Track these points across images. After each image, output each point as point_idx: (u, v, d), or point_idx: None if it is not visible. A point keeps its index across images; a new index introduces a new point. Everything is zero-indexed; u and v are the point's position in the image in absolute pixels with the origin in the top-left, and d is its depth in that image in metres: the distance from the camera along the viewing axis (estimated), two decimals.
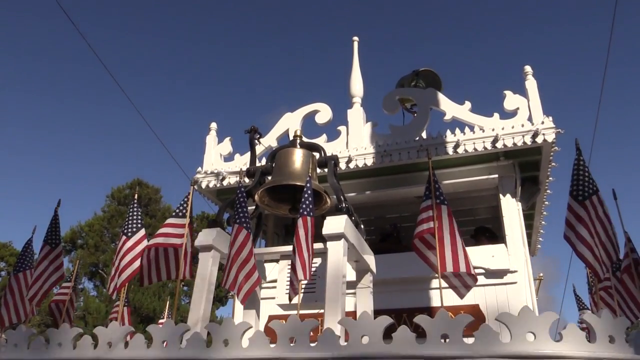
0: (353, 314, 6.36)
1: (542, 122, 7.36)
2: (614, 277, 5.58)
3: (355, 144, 8.47)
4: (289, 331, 4.47)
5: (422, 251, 5.39)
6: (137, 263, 5.82)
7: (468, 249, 5.50)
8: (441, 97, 8.53)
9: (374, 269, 6.29)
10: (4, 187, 58.50)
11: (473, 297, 6.90)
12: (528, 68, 8.06)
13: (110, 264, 26.64)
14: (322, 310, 5.09)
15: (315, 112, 9.04)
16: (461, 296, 5.39)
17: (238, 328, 4.65)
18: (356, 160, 8.05)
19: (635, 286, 5.50)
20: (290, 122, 9.00)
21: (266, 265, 7.12)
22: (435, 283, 7.47)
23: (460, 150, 7.59)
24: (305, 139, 6.66)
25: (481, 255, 7.31)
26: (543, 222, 9.89)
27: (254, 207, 6.41)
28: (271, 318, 7.19)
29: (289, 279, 5.69)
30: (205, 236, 5.74)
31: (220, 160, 9.10)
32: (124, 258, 5.83)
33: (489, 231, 8.79)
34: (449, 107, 8.34)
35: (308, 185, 5.30)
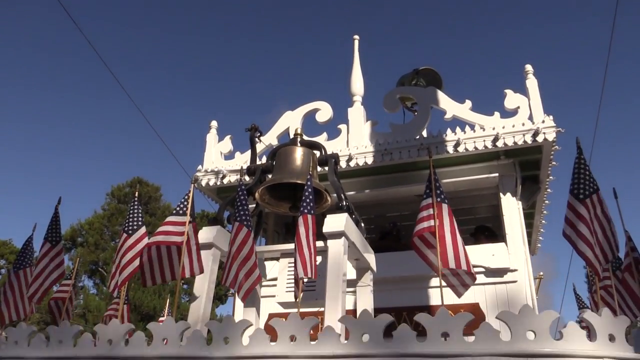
0: (353, 312, 6.37)
1: (543, 121, 7.36)
2: (614, 276, 5.58)
3: (356, 142, 8.47)
4: (289, 329, 4.47)
5: (421, 250, 5.39)
6: (137, 261, 5.81)
7: (468, 247, 5.50)
8: (442, 95, 8.53)
9: (374, 268, 6.30)
10: (4, 185, 58.52)
11: (473, 295, 6.91)
12: (529, 67, 8.06)
13: (110, 262, 26.68)
14: (322, 309, 5.09)
15: (315, 110, 9.04)
16: (459, 295, 5.40)
17: (238, 326, 4.65)
18: (356, 158, 8.05)
19: (637, 284, 5.50)
20: (291, 121, 9.00)
21: (266, 263, 7.13)
22: (434, 281, 7.48)
23: (461, 149, 7.59)
24: (305, 137, 6.66)
25: (481, 254, 7.32)
26: (543, 221, 9.90)
27: (254, 205, 6.41)
28: (271, 316, 7.20)
29: (289, 277, 5.70)
30: (206, 234, 5.75)
31: (220, 159, 9.11)
32: (125, 256, 5.83)
33: (489, 230, 8.80)
34: (449, 105, 8.34)
35: (309, 183, 5.30)
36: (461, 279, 5.29)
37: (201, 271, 5.49)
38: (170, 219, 5.65)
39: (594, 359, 3.78)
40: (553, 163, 7.78)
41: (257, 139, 6.83)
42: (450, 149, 7.64)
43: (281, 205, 6.40)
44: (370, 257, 6.22)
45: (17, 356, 5.20)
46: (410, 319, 6.53)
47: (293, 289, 5.50)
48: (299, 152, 6.19)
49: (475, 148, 7.54)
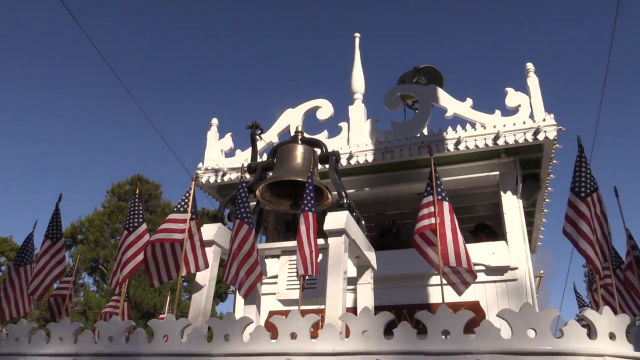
0: (353, 310, 6.37)
1: (544, 120, 7.35)
2: (614, 275, 5.58)
3: (356, 140, 8.46)
4: (290, 326, 4.47)
5: (422, 247, 5.39)
6: (139, 257, 5.82)
7: (468, 245, 5.50)
8: (442, 93, 8.51)
9: (375, 265, 6.30)
10: (4, 182, 58.52)
11: (473, 293, 6.92)
12: (530, 65, 8.04)
13: (110, 260, 26.71)
14: (322, 306, 5.10)
15: (316, 108, 9.03)
16: (459, 293, 5.40)
17: (239, 323, 4.66)
18: (357, 156, 8.05)
19: (639, 283, 5.50)
20: (292, 118, 8.99)
21: (267, 261, 7.13)
22: (434, 279, 7.49)
23: (462, 147, 7.58)
24: (306, 135, 6.66)
25: (482, 252, 7.32)
26: (544, 220, 9.90)
27: (255, 202, 6.41)
28: (271, 314, 7.20)
29: (290, 274, 5.70)
30: (207, 231, 5.75)
31: (221, 156, 9.10)
32: (126, 253, 5.83)
33: (489, 228, 8.80)
34: (450, 103, 8.33)
35: (309, 181, 5.29)
36: (462, 276, 5.29)
37: (206, 266, 5.50)
38: (171, 216, 5.66)
39: (595, 357, 3.77)
40: (554, 161, 7.77)
41: (258, 137, 6.83)
42: (450, 147, 7.63)
43: (282, 202, 6.40)
44: (371, 255, 6.23)
45: (17, 353, 5.21)
46: (411, 317, 6.53)
47: (293, 287, 5.50)
48: (299, 150, 6.19)
49: (476, 146, 7.54)
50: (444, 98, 8.43)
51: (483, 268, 7.21)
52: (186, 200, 5.73)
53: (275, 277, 6.04)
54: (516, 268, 7.25)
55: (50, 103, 64.51)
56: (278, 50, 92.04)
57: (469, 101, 8.23)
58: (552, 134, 7.19)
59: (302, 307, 4.86)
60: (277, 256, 6.17)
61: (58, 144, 64.41)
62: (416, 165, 8.02)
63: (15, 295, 6.61)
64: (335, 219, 5.33)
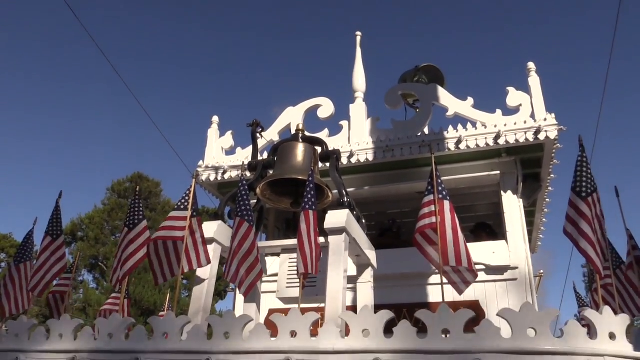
0: (353, 308, 6.37)
1: (545, 119, 7.35)
2: (614, 275, 5.57)
3: (357, 138, 8.46)
4: (290, 324, 4.47)
5: (423, 246, 5.38)
6: (139, 255, 5.83)
7: (469, 244, 5.50)
8: (444, 92, 8.51)
9: (375, 264, 6.30)
10: (5, 179, 58.55)
11: (473, 293, 6.91)
12: (531, 65, 8.04)
13: (110, 257, 26.71)
14: (322, 304, 5.09)
15: (317, 106, 9.02)
16: (460, 292, 5.39)
17: (239, 321, 4.66)
18: (358, 155, 8.05)
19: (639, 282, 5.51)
20: (292, 116, 8.98)
21: (267, 259, 7.13)
22: (434, 278, 7.49)
23: (462, 146, 7.58)
24: (307, 133, 6.66)
25: (482, 252, 7.32)
26: (544, 219, 9.90)
27: (255, 200, 6.41)
28: (271, 312, 7.20)
29: (290, 272, 5.70)
30: (207, 229, 5.75)
31: (221, 154, 9.10)
32: (126, 250, 5.83)
33: (489, 227, 8.80)
34: (451, 102, 8.32)
35: (310, 179, 5.29)
36: (462, 276, 5.28)
37: (208, 262, 5.51)
38: (172, 214, 5.68)
39: (595, 357, 3.77)
40: (554, 161, 7.77)
41: (258, 135, 6.82)
42: (451, 146, 7.63)
43: (282, 201, 6.40)
44: (371, 254, 6.22)
45: (17, 349, 5.20)
46: (410, 316, 6.52)
47: (293, 285, 5.50)
48: (300, 148, 6.18)
49: (477, 145, 7.54)
50: (445, 97, 8.42)
51: (483, 267, 7.21)
52: (187, 198, 5.74)
53: (276, 275, 6.04)
54: (516, 267, 7.26)
55: (51, 100, 64.51)
56: (279, 48, 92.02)
57: (470, 100, 8.23)
58: (552, 133, 7.19)
59: (303, 306, 4.86)
60: (278, 254, 6.17)
61: (58, 141, 64.45)
62: (417, 164, 8.02)
63: (15, 292, 6.61)
64: (336, 218, 5.32)
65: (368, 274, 6.20)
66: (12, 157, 59.04)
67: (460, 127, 7.74)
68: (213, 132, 9.29)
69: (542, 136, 7.21)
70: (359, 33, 10.02)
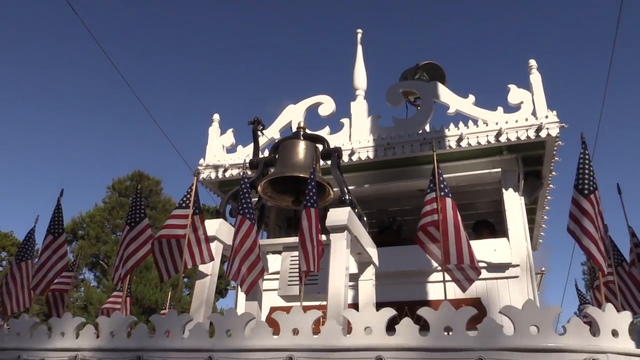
0: (354, 306, 6.37)
1: (546, 117, 7.34)
2: (616, 272, 5.58)
3: (358, 136, 8.45)
4: (292, 322, 4.47)
5: (425, 244, 5.37)
6: (140, 253, 5.83)
7: (470, 242, 5.49)
8: (445, 90, 8.50)
9: (377, 262, 6.29)
10: (5, 177, 58.58)
11: (475, 290, 6.90)
12: (532, 62, 8.03)
13: (111, 255, 26.73)
14: (324, 302, 5.09)
15: (318, 104, 9.01)
16: (463, 289, 5.38)
17: (241, 319, 4.65)
18: (359, 152, 8.04)
19: None
20: (293, 114, 8.97)
21: (268, 256, 7.13)
22: (435, 276, 7.49)
23: (464, 143, 7.58)
24: (308, 131, 6.65)
25: (483, 249, 7.31)
26: (545, 217, 9.89)
27: (256, 198, 6.40)
28: (273, 309, 7.20)
29: (291, 270, 5.70)
30: (208, 227, 5.75)
31: (222, 152, 9.10)
32: (128, 248, 5.83)
33: (490, 225, 8.80)
34: (452, 100, 8.31)
35: (312, 177, 5.28)
36: (466, 273, 5.26)
37: (211, 259, 5.51)
38: (175, 212, 5.69)
39: (597, 354, 3.77)
40: (556, 159, 7.76)
41: (259, 132, 6.82)
42: (453, 143, 7.62)
43: (284, 198, 6.39)
44: (373, 252, 6.22)
45: (19, 348, 5.20)
46: (412, 314, 6.53)
47: (295, 283, 5.50)
48: (301, 146, 6.17)
49: (478, 143, 7.53)
50: (446, 95, 8.41)
51: (485, 265, 7.20)
52: (189, 196, 5.75)
53: (277, 273, 6.04)
54: (518, 265, 7.25)
55: (51, 99, 64.49)
56: (280, 46, 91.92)
57: (471, 98, 8.22)
58: (554, 131, 7.18)
59: (304, 303, 4.86)
60: (279, 252, 6.17)
61: (59, 139, 64.44)
62: (418, 162, 8.01)
63: (17, 290, 6.61)
64: (338, 215, 5.31)
65: (370, 272, 6.19)
66: (13, 155, 59.07)
67: (461, 124, 7.73)
68: (214, 130, 9.29)
69: (543, 133, 7.20)
70: (359, 30, 10.00)
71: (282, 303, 5.98)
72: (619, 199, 5.63)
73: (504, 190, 7.79)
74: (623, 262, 5.92)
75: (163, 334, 4.79)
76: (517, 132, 7.36)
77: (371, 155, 7.96)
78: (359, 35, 9.94)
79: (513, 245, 7.36)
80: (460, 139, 7.58)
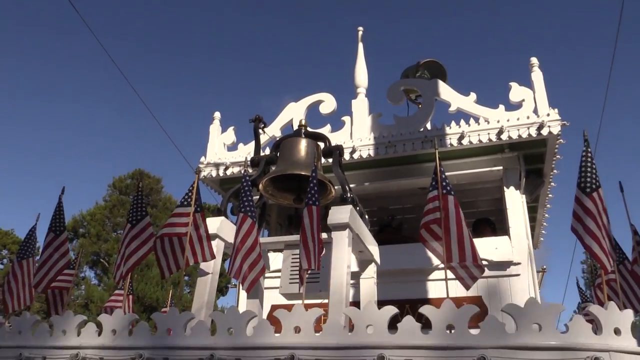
0: (356, 304, 6.37)
1: (548, 114, 7.33)
2: (617, 270, 5.56)
3: (360, 134, 8.44)
4: (294, 320, 4.46)
5: (428, 241, 5.36)
6: (142, 251, 5.83)
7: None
8: (446, 88, 8.49)
9: (378, 260, 6.29)
10: (6, 175, 58.59)
11: (476, 288, 6.89)
12: (534, 60, 8.01)
13: (112, 253, 26.73)
14: (326, 300, 5.09)
15: (319, 102, 9.00)
16: (467, 287, 5.37)
17: (243, 316, 4.65)
18: (360, 150, 8.03)
19: None
20: (294, 112, 8.96)
21: (270, 254, 7.12)
22: (435, 274, 7.48)
23: (465, 141, 7.57)
24: (309, 129, 6.64)
25: (484, 247, 7.28)
26: (546, 215, 9.88)
27: (258, 196, 6.39)
28: (274, 307, 7.20)
29: (293, 268, 5.69)
30: (210, 225, 5.74)
31: (223, 150, 9.09)
32: (129, 246, 5.83)
33: (490, 223, 8.79)
34: (453, 98, 8.30)
35: (313, 174, 5.27)
36: (469, 271, 5.25)
37: (212, 257, 5.51)
38: (177, 210, 5.69)
39: (600, 352, 3.76)
40: (557, 156, 7.75)
41: (261, 130, 6.80)
42: (454, 141, 7.61)
43: (285, 196, 6.38)
44: (374, 249, 6.21)
45: (21, 345, 5.20)
46: (413, 312, 6.54)
47: (296, 281, 5.49)
48: (303, 144, 6.16)
49: (480, 141, 7.52)
50: (448, 92, 8.40)
51: (486, 263, 7.17)
52: (190, 194, 5.75)
53: (278, 271, 6.03)
54: (519, 263, 7.24)
55: (52, 97, 64.47)
56: (281, 44, 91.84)
57: (473, 96, 8.21)
58: (555, 129, 7.17)
59: (306, 301, 4.85)
60: (280, 250, 6.16)
61: (59, 137, 64.42)
62: (419, 159, 8.00)
63: (18, 288, 6.61)
64: (339, 213, 5.31)
65: (371, 270, 6.19)
66: (14, 153, 59.08)
67: (462, 122, 7.72)
68: (215, 128, 9.28)
69: (545, 131, 7.19)
70: (360, 28, 9.98)
71: (283, 301, 5.98)
72: (621, 196, 5.61)
73: (505, 188, 7.78)
74: (625, 260, 5.90)
75: (165, 332, 4.79)
76: (518, 130, 7.35)
77: (372, 153, 7.95)
78: (360, 33, 9.92)
79: (514, 243, 7.34)
80: (461, 137, 7.57)
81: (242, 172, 5.86)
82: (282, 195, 6.36)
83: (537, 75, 7.87)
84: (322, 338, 4.31)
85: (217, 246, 5.75)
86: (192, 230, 5.52)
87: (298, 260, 5.21)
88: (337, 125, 8.81)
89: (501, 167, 7.81)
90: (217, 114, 9.38)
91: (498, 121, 7.50)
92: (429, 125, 8.26)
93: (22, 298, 6.62)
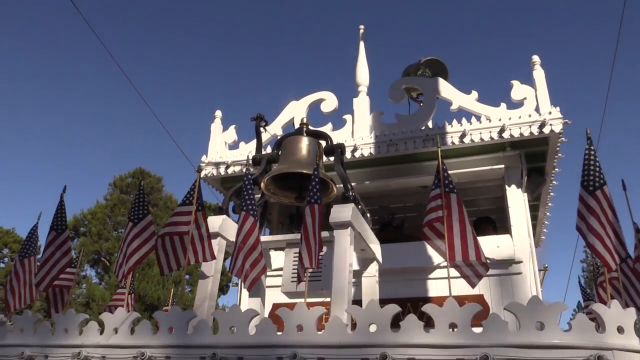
0: (357, 303, 6.36)
1: (550, 113, 7.30)
2: (620, 269, 5.55)
3: (361, 132, 8.42)
4: (296, 319, 4.46)
5: (432, 240, 5.35)
6: (144, 249, 5.82)
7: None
8: (447, 86, 8.46)
9: (380, 258, 6.28)
10: (7, 174, 58.59)
11: (478, 287, 6.87)
12: (536, 58, 7.98)
13: (113, 252, 26.73)
14: (328, 299, 5.08)
15: (320, 100, 8.98)
16: (473, 285, 5.35)
17: (245, 315, 4.65)
18: (361, 149, 8.01)
19: None
20: (296, 111, 8.94)
21: (271, 253, 7.11)
22: (437, 273, 7.46)
23: (467, 139, 7.55)
24: (311, 127, 6.63)
25: (486, 246, 7.26)
26: (548, 214, 9.86)
27: (259, 195, 6.39)
28: (276, 306, 7.20)
29: (294, 267, 5.68)
30: (212, 223, 5.74)
31: (225, 149, 9.07)
32: (131, 244, 5.82)
33: (491, 221, 8.78)
34: (455, 96, 8.27)
35: (316, 173, 5.26)
36: (475, 269, 5.24)
37: (212, 257, 5.50)
38: (178, 209, 5.68)
39: (603, 351, 3.75)
40: (559, 155, 7.73)
41: (262, 129, 6.80)
42: (455, 139, 7.59)
43: (287, 195, 6.37)
44: (376, 248, 6.21)
45: (23, 344, 5.20)
46: (414, 310, 6.53)
47: (296, 279, 5.49)
48: (305, 142, 6.15)
49: (481, 139, 7.50)
50: (449, 91, 8.37)
51: (488, 261, 7.18)
52: (192, 193, 5.74)
53: (280, 269, 6.03)
54: (521, 261, 7.22)
55: (53, 95, 64.44)
56: (282, 42, 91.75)
57: (474, 94, 8.18)
58: (557, 127, 7.15)
59: (308, 300, 4.84)
60: (282, 249, 6.15)
61: (60, 136, 64.42)
62: (420, 158, 7.98)
63: (19, 287, 6.60)
64: (341, 212, 5.30)
65: (373, 268, 6.18)
66: (15, 152, 59.07)
67: (464, 120, 7.70)
68: (216, 126, 9.26)
69: (546, 130, 7.17)
70: (362, 26, 9.95)
71: (285, 300, 5.98)
72: (624, 195, 5.60)
73: (506, 186, 7.76)
74: (627, 259, 5.89)
75: (167, 331, 4.78)
76: (520, 128, 7.33)
77: (373, 152, 7.93)
78: (361, 31, 9.90)
79: (516, 242, 7.33)
80: (463, 135, 7.56)
81: (244, 170, 5.85)
82: (284, 193, 6.35)
83: (538, 73, 7.85)
84: (325, 337, 4.31)
85: (219, 245, 5.74)
86: (194, 229, 5.51)
87: (297, 258, 5.21)
88: (339, 124, 8.79)
89: (503, 166, 7.78)
90: (219, 113, 9.37)
91: (500, 119, 7.48)
92: (430, 124, 8.24)
93: (24, 297, 6.62)
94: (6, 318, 5.73)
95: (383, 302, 4.85)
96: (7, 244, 30.73)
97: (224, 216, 5.92)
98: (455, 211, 5.20)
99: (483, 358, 3.82)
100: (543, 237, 10.90)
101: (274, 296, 7.10)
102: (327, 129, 8.63)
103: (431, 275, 7.59)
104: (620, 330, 3.92)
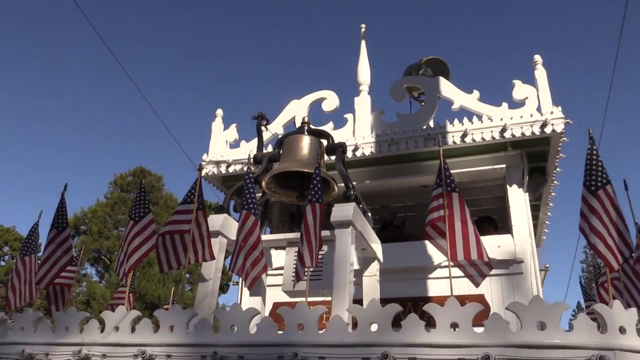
0: (358, 302, 6.36)
1: (551, 112, 7.29)
2: (621, 269, 5.54)
3: (362, 132, 8.41)
4: (297, 318, 4.45)
5: (434, 239, 5.34)
6: (145, 247, 5.82)
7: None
8: (449, 85, 8.45)
9: (381, 257, 6.27)
10: (7, 173, 58.63)
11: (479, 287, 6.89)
12: (538, 57, 7.97)
13: (113, 251, 26.73)
14: (328, 298, 5.07)
15: (322, 99, 8.97)
16: (477, 284, 5.34)
17: (246, 314, 4.64)
18: (363, 148, 8.00)
19: None
20: (297, 110, 8.94)
21: (272, 252, 7.11)
22: (438, 272, 7.45)
23: (468, 139, 7.54)
24: (312, 126, 6.62)
25: (487, 245, 7.24)
26: (549, 213, 9.85)
27: (260, 194, 6.38)
28: (276, 305, 7.19)
29: (295, 266, 5.68)
30: (212, 222, 5.73)
31: (226, 147, 9.06)
32: (132, 243, 5.82)
33: (492, 221, 8.76)
34: (456, 95, 8.26)
35: (317, 172, 5.26)
36: (478, 268, 5.23)
37: (212, 258, 5.49)
38: (179, 208, 5.67)
39: (605, 351, 3.74)
40: (560, 155, 7.72)
41: (263, 127, 6.79)
42: (457, 139, 7.59)
43: (288, 194, 6.37)
44: (377, 247, 6.20)
45: (23, 342, 5.20)
46: (415, 310, 6.53)
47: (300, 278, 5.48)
48: (306, 141, 6.15)
49: (483, 139, 7.49)
50: (451, 90, 8.36)
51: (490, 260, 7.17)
52: (193, 191, 5.73)
53: (280, 268, 6.02)
54: (522, 261, 7.21)
55: (53, 94, 64.46)
56: (284, 41, 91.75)
57: (476, 93, 8.17)
58: (559, 126, 7.14)
59: (308, 299, 4.84)
60: (282, 247, 6.15)
61: (61, 134, 64.44)
62: (422, 157, 7.98)
63: (20, 285, 6.60)
64: (342, 211, 5.30)
65: (374, 268, 6.18)
66: (15, 151, 59.10)
67: (465, 120, 7.69)
68: (217, 125, 9.25)
69: (548, 129, 7.16)
70: (363, 25, 9.94)
71: (286, 298, 5.97)
72: (626, 195, 5.59)
73: (508, 186, 7.75)
74: (629, 259, 5.88)
75: (167, 329, 4.78)
76: (521, 127, 7.32)
77: (375, 151, 7.93)
78: (363, 30, 9.89)
79: (517, 242, 7.32)
80: (464, 135, 7.55)
81: (245, 169, 5.84)
82: (285, 192, 6.35)
83: (540, 73, 7.84)
84: (326, 336, 4.30)
85: (220, 243, 5.73)
86: (195, 227, 5.50)
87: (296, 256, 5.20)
88: (340, 123, 8.78)
89: (504, 165, 7.78)
90: (220, 111, 9.36)
91: (501, 119, 7.47)
92: (431, 123, 8.23)
93: (25, 294, 6.62)
94: (7, 316, 5.73)
95: (384, 301, 4.84)
96: (8, 242, 30.74)
97: (225, 215, 5.91)
98: (457, 210, 5.19)
99: (484, 358, 3.81)
100: (544, 237, 10.89)
101: (275, 295, 7.09)
102: (328, 128, 8.62)
103: (432, 275, 7.58)
104: (622, 330, 3.92)
